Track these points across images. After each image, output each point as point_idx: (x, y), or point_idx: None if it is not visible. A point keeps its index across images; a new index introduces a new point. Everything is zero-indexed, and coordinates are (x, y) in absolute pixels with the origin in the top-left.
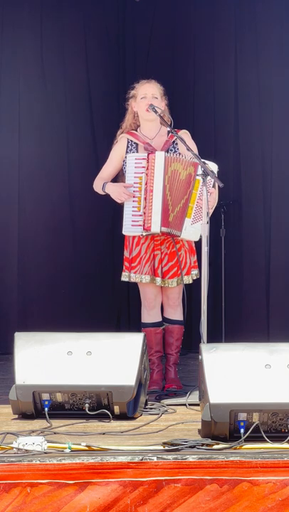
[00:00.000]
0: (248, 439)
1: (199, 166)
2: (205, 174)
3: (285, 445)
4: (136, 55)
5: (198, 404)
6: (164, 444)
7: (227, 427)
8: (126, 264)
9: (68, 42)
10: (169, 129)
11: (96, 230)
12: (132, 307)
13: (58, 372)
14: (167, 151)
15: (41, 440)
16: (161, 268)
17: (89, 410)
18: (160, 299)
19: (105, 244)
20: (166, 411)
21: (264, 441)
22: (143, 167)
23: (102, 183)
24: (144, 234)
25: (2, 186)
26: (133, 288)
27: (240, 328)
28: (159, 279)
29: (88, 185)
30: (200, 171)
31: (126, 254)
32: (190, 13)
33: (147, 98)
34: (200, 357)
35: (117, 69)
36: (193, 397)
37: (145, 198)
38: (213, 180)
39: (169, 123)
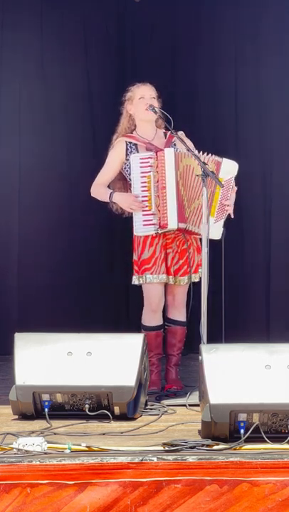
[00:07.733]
0: (248, 440)
1: (222, 165)
2: (205, 175)
3: (285, 446)
4: (136, 56)
5: (198, 405)
6: (164, 444)
7: (227, 427)
8: (136, 267)
9: (68, 42)
10: (169, 129)
11: (96, 230)
12: (132, 308)
13: (58, 372)
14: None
15: (41, 441)
16: (173, 266)
17: (89, 411)
18: (163, 301)
19: (105, 244)
20: (166, 411)
21: (264, 441)
22: (150, 166)
23: (106, 191)
24: (159, 232)
25: (2, 186)
26: (133, 289)
27: (240, 329)
28: (172, 278)
29: (89, 185)
30: (203, 171)
31: (135, 257)
32: (190, 13)
33: (145, 98)
34: (200, 357)
35: (117, 69)
36: (194, 397)
37: (158, 196)
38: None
39: (164, 126)
